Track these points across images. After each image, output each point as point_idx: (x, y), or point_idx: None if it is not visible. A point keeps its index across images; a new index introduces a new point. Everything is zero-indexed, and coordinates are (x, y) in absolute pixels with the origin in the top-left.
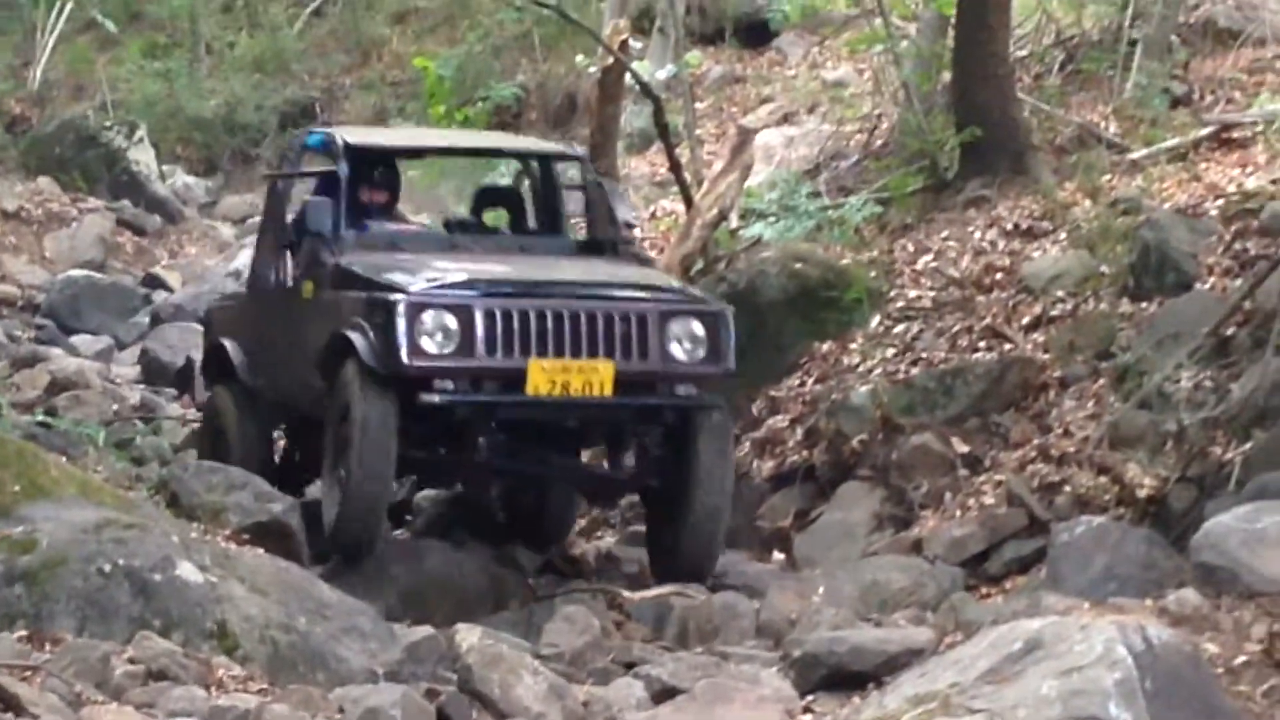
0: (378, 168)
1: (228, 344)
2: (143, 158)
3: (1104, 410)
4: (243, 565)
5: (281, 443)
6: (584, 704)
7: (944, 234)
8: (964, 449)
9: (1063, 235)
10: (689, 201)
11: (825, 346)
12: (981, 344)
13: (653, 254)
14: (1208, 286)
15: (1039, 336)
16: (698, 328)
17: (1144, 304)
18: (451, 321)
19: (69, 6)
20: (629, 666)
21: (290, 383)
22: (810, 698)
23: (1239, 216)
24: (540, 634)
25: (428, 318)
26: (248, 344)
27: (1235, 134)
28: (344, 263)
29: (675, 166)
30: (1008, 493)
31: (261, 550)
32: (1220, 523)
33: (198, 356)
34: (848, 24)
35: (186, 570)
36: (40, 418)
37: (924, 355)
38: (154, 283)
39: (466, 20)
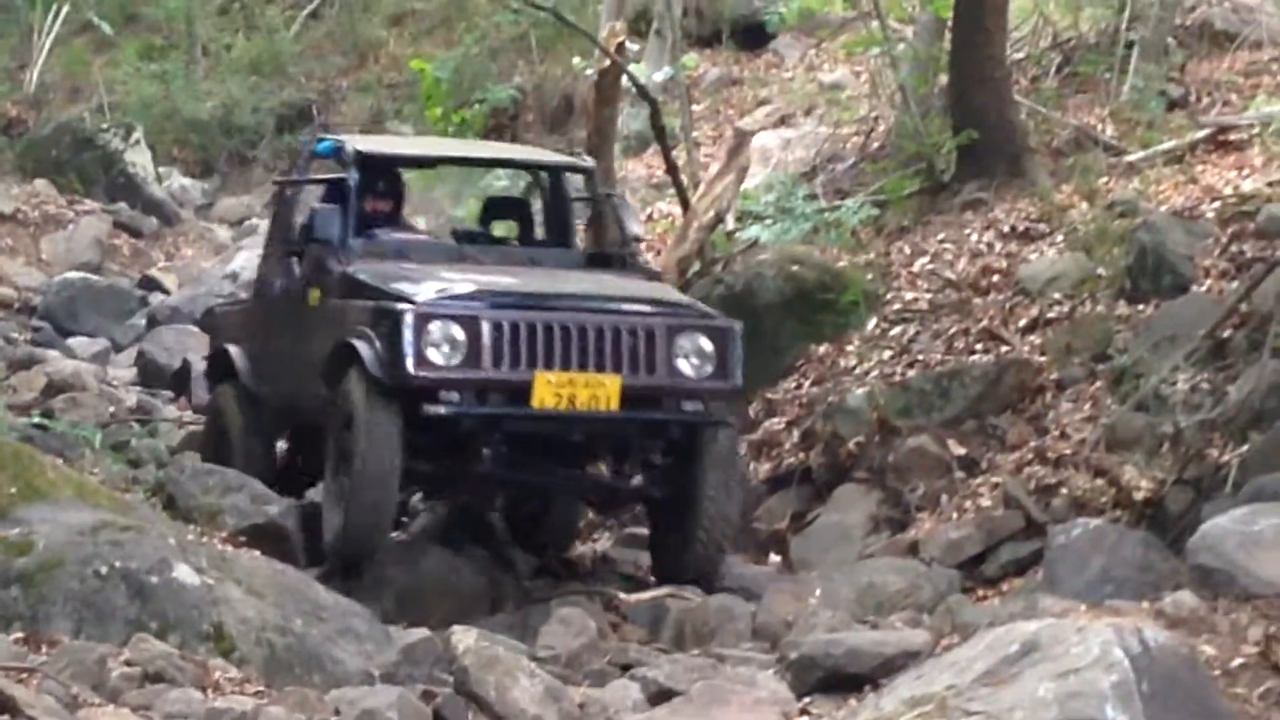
0: (386, 176)
1: (232, 349)
2: (139, 160)
3: (1101, 412)
4: (239, 567)
5: (284, 445)
6: (580, 706)
7: (941, 236)
8: (960, 451)
9: (1059, 238)
10: (685, 204)
11: (822, 349)
12: (978, 346)
13: (649, 256)
14: (1204, 289)
15: (1036, 339)
16: (705, 343)
17: (1141, 306)
18: (458, 332)
19: (65, 9)
20: (625, 668)
21: (294, 389)
22: (807, 700)
23: (1235, 219)
24: (536, 636)
25: (434, 328)
26: (252, 349)
27: (1232, 136)
28: (351, 271)
29: (672, 169)
30: (1004, 495)
31: (258, 552)
32: (1217, 525)
33: (195, 359)
34: (844, 26)
35: (183, 572)
36: (37, 420)
37: (920, 357)
38: (150, 285)
39: (463, 22)
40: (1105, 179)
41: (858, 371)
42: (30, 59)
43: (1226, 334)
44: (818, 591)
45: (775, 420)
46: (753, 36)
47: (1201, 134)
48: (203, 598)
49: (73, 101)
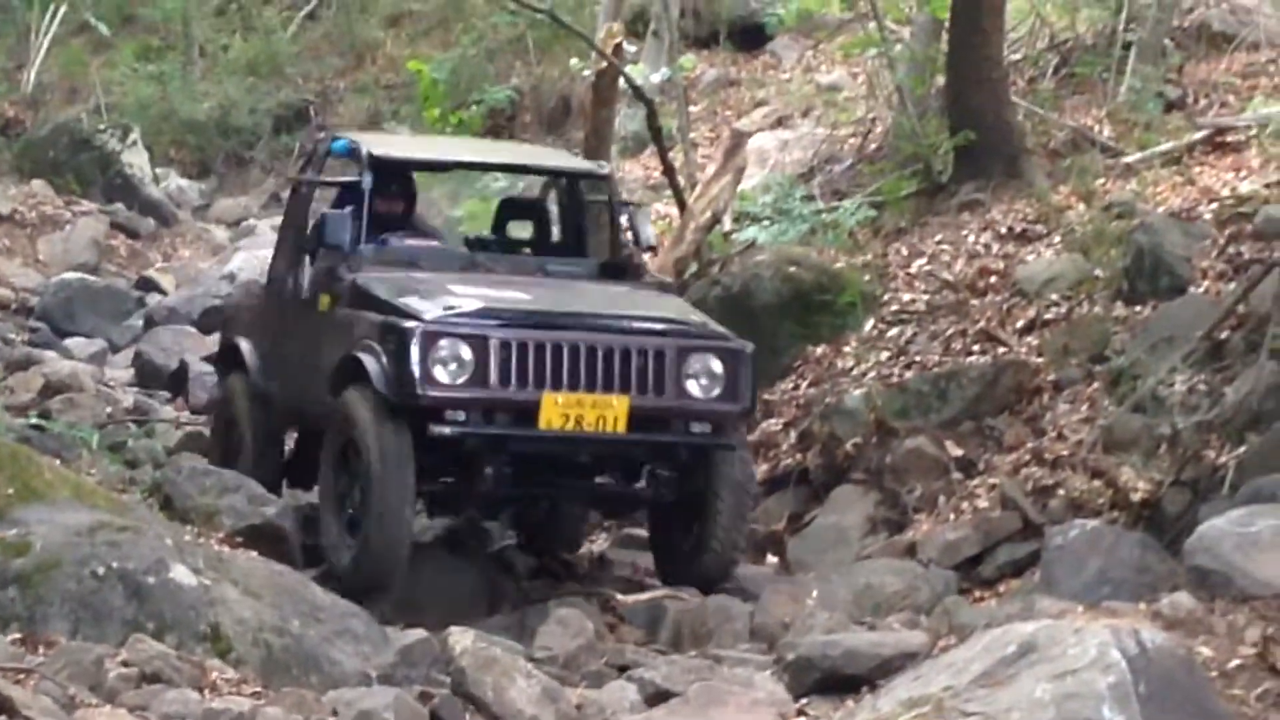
0: (401, 178)
1: (243, 343)
2: (136, 161)
3: (1098, 414)
4: (236, 568)
5: (294, 437)
6: (577, 707)
7: (938, 237)
8: (958, 452)
9: (1057, 239)
10: (682, 205)
11: (819, 350)
12: (975, 347)
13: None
14: (1202, 290)
15: (1033, 340)
16: (716, 365)
17: (1138, 308)
18: (466, 351)
19: (63, 9)
20: (622, 669)
21: (302, 392)
22: (804, 701)
23: (1233, 220)
24: (533, 637)
25: (442, 346)
26: (262, 345)
27: (1229, 138)
28: (361, 280)
29: (669, 170)
30: (1001, 496)
31: (255, 553)
32: (1214, 526)
33: (193, 360)
34: (842, 28)
35: (180, 573)
36: (34, 421)
37: (918, 358)
38: (148, 286)
39: (460, 23)
40: (1102, 180)
41: (855, 373)
42: (27, 59)
43: (1224, 335)
44: (815, 593)
45: (772, 421)
46: (750, 38)
47: (1199, 135)
48: (200, 598)
49: (70, 102)
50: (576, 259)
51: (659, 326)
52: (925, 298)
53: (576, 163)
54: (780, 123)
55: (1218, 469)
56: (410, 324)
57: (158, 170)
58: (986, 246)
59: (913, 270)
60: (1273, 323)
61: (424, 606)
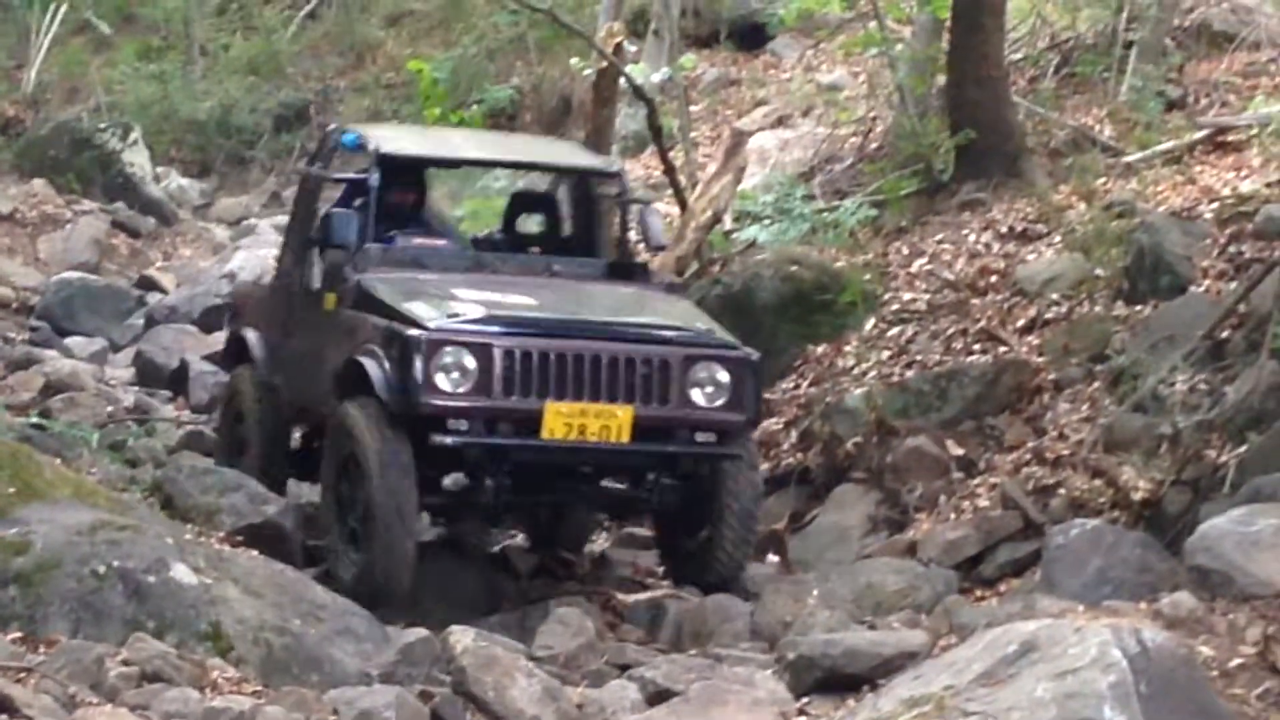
0: (410, 174)
1: (250, 335)
2: (137, 160)
3: (1098, 413)
4: (237, 567)
5: (300, 430)
6: (578, 706)
7: (939, 237)
8: (958, 452)
9: (1057, 238)
10: (683, 204)
11: (820, 349)
12: (976, 347)
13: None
14: (1202, 289)
15: (1034, 339)
16: (722, 374)
17: (1139, 307)
18: (470, 360)
19: (63, 9)
20: (623, 669)
21: (307, 389)
22: (805, 700)
23: (1233, 220)
24: (534, 636)
25: (446, 355)
26: (270, 338)
27: (1230, 137)
28: (365, 282)
29: (669, 169)
30: (1002, 495)
31: (256, 552)
32: (1215, 526)
33: (193, 359)
34: (843, 27)
35: (180, 572)
36: (35, 420)
37: (918, 358)
38: (148, 285)
39: (461, 23)
40: (1103, 179)
41: (856, 372)
42: (28, 59)
43: (1224, 335)
44: (816, 592)
45: (773, 420)
46: (751, 37)
47: (1199, 135)
48: (200, 597)
49: (70, 101)
50: (585, 259)
51: (664, 334)
52: (926, 297)
53: (586, 160)
54: (781, 122)
55: (1218, 468)
56: (413, 332)
57: (158, 169)
58: (987, 246)
59: (913, 269)
60: (1273, 322)
61: (425, 605)
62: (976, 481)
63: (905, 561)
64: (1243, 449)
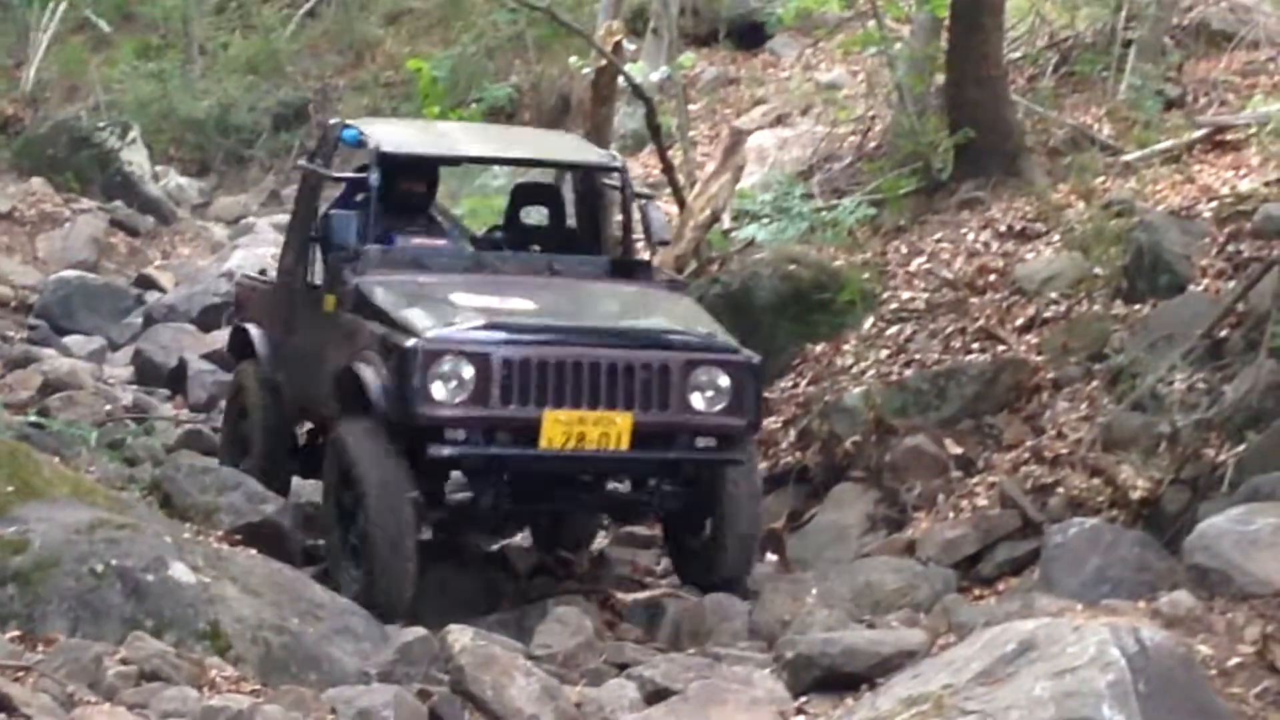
0: (413, 171)
1: (253, 330)
2: (136, 159)
3: (1097, 412)
4: (235, 566)
5: (306, 427)
6: (576, 705)
7: (937, 236)
8: (957, 450)
9: (1056, 237)
10: (682, 203)
11: (818, 348)
12: (975, 346)
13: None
14: (1201, 288)
15: (1032, 338)
16: (723, 379)
17: (1137, 306)
18: (467, 370)
19: (62, 7)
20: (622, 667)
21: (308, 389)
22: (803, 699)
23: (1232, 219)
24: (532, 635)
25: (442, 365)
26: (273, 334)
27: (1228, 136)
28: (364, 286)
29: (668, 168)
30: (1001, 494)
31: (254, 551)
32: (1213, 525)
33: (191, 357)
34: (841, 26)
35: (179, 571)
36: (33, 418)
37: (917, 357)
38: (147, 283)
39: (460, 21)
40: (1102, 178)
41: (854, 371)
42: (27, 57)
43: (1223, 333)
44: (814, 590)
45: (772, 419)
46: (749, 36)
47: (1198, 134)
48: (199, 596)
49: (69, 100)
50: (587, 257)
51: (663, 339)
52: (925, 296)
53: (588, 154)
54: (779, 121)
55: (1217, 467)
56: (410, 341)
57: (157, 168)
58: (986, 245)
59: (912, 268)
60: (1272, 321)
61: (423, 604)
62: (975, 480)
63: (904, 560)
64: (1241, 448)
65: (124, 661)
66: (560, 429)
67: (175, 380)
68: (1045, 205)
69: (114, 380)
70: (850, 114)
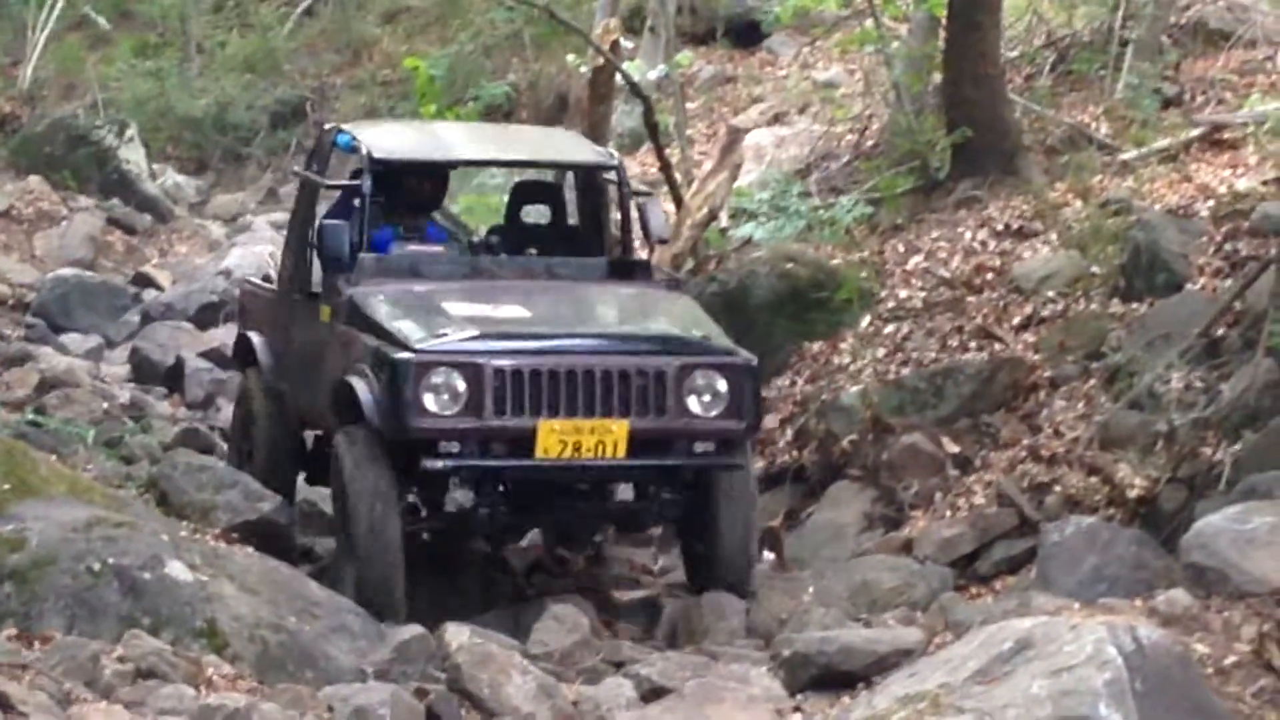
0: (414, 175)
1: (255, 338)
2: (133, 157)
3: (1094, 410)
4: (232, 564)
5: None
6: (573, 703)
7: (935, 234)
8: (954, 449)
9: (1053, 236)
10: (679, 201)
11: (815, 347)
12: (972, 344)
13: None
14: (1198, 287)
15: (1029, 337)
16: (720, 383)
17: (1135, 304)
18: (459, 381)
19: (59, 4)
20: (618, 666)
21: (310, 398)
22: (800, 697)
23: (1230, 217)
24: (529, 633)
25: (434, 377)
26: (274, 342)
27: (1226, 135)
28: (358, 297)
29: (665, 166)
30: (998, 493)
31: (251, 549)
32: (1210, 523)
33: (189, 355)
34: (839, 24)
35: (176, 569)
36: (30, 416)
37: (914, 355)
38: (144, 282)
39: (457, 20)
40: (1099, 177)
41: (852, 369)
42: (25, 55)
43: (1220, 332)
44: (811, 589)
45: (768, 418)
46: (747, 34)
47: (1196, 132)
48: (195, 594)
49: (67, 98)
50: (586, 259)
51: (659, 344)
52: (922, 294)
53: (585, 154)
54: (777, 119)
55: (1214, 466)
56: (401, 354)
57: (154, 166)
58: (983, 243)
59: (909, 267)
60: (1269, 319)
61: (420, 603)
62: (972, 479)
63: (901, 559)
64: (1238, 446)
65: (121, 659)
66: (556, 438)
67: (172, 378)
68: (1042, 204)
69: (111, 378)
70: (848, 112)
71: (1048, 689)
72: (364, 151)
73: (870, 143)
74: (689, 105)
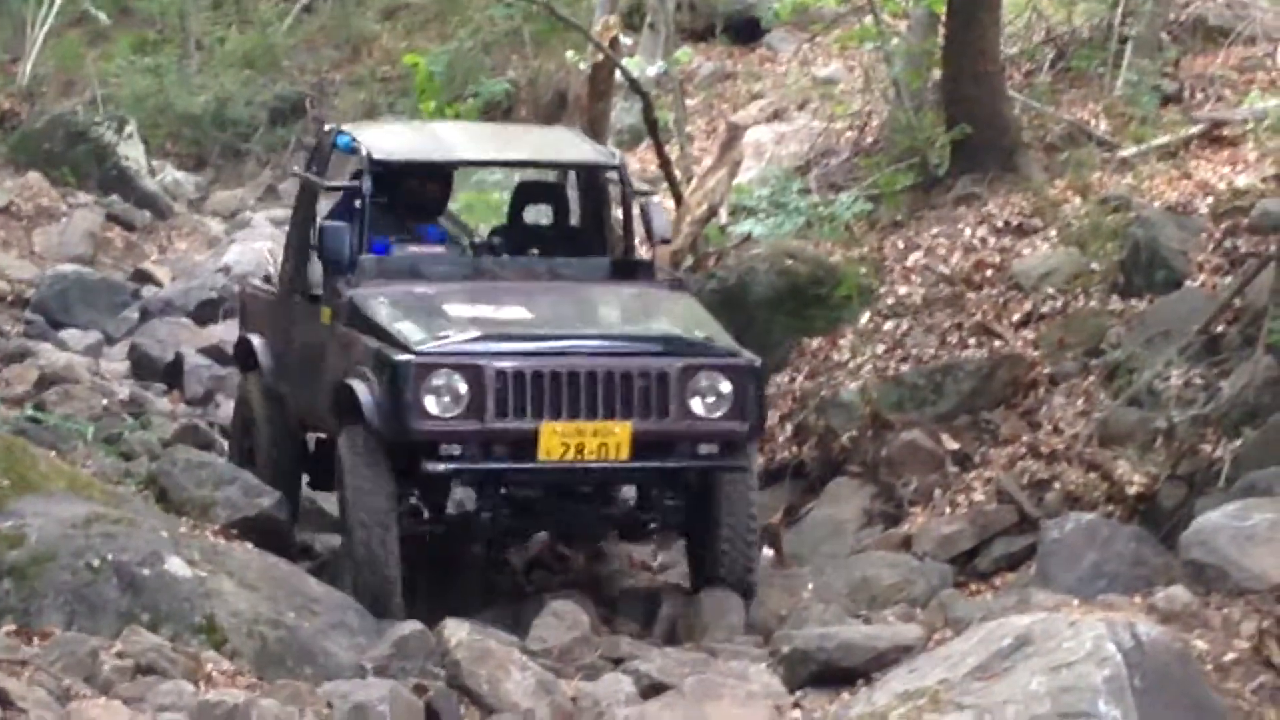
0: (416, 175)
1: (255, 341)
2: (132, 153)
3: (1094, 407)
4: (232, 560)
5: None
6: (572, 699)
7: (934, 231)
8: (953, 446)
9: (1053, 232)
10: (678, 198)
11: (815, 343)
12: (971, 341)
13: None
14: (1198, 284)
15: (1029, 333)
16: (724, 384)
17: (1134, 301)
18: (460, 383)
19: (59, 1)
20: (617, 662)
21: (310, 401)
22: (799, 694)
23: (1229, 214)
24: (529, 629)
25: (435, 379)
26: (274, 345)
27: (1225, 132)
28: (358, 298)
29: (665, 163)
30: (997, 489)
31: (250, 545)
32: (1210, 520)
33: (188, 352)
34: (838, 21)
35: (175, 565)
36: (29, 413)
37: (914, 352)
38: (143, 278)
39: (457, 16)
40: (1099, 174)
41: (851, 366)
42: (24, 52)
43: (1220, 329)
44: (810, 585)
45: (768, 414)
46: (746, 30)
47: (1195, 129)
48: (195, 590)
49: (66, 94)
50: (588, 258)
51: (662, 345)
52: (921, 291)
53: (585, 154)
54: (776, 116)
55: (1213, 463)
56: (402, 356)
57: (154, 163)
58: (983, 240)
59: (909, 264)
60: (1269, 316)
61: (419, 598)
62: (971, 475)
63: (900, 555)
64: (1238, 443)
65: (120, 655)
66: (558, 440)
67: (171, 374)
68: (1042, 201)
69: (110, 375)
70: (847, 109)
71: (1047, 685)
72: (364, 152)
73: (870, 139)
74: (688, 102)
